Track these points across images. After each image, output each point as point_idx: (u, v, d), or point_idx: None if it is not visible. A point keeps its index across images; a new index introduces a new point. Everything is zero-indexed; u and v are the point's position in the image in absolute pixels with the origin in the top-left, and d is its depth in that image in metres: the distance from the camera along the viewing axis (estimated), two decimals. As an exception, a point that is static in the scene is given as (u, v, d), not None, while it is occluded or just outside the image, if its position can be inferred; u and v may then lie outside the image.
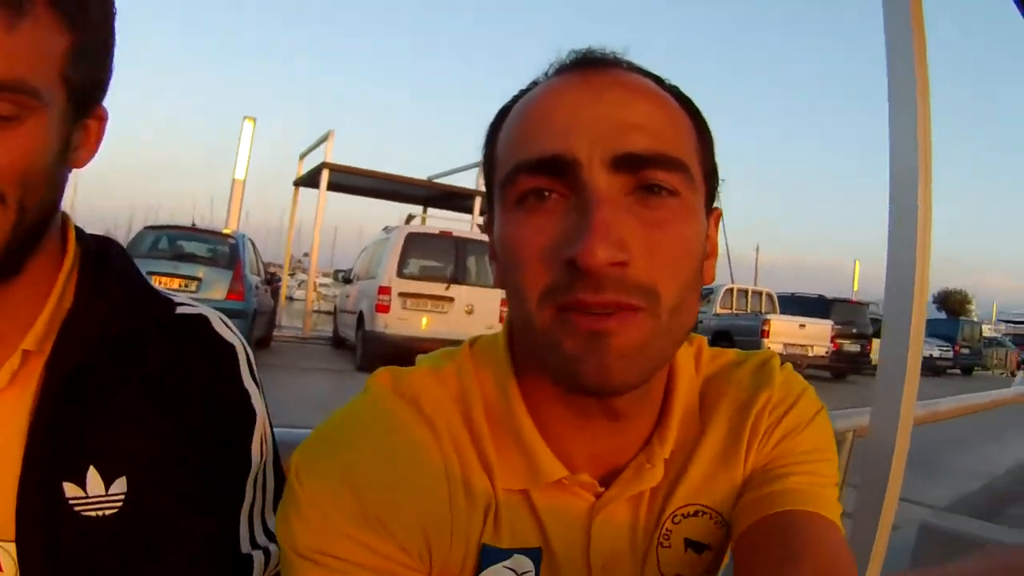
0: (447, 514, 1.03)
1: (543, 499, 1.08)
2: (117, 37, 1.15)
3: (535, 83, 1.08)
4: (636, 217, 0.93)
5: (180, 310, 1.26)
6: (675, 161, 0.97)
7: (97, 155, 1.18)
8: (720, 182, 1.11)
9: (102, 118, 1.19)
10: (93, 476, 1.10)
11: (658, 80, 1.07)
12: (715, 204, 1.11)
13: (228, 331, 1.29)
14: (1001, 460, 9.46)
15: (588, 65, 1.04)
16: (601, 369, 0.92)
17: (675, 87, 1.09)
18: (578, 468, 1.08)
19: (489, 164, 1.10)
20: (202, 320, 1.27)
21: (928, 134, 2.57)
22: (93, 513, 1.09)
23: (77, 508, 1.09)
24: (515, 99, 1.10)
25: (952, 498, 5.72)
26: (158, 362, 1.18)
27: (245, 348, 1.30)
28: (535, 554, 1.08)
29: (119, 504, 1.10)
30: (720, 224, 1.15)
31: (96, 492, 1.09)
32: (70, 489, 1.09)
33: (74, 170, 1.16)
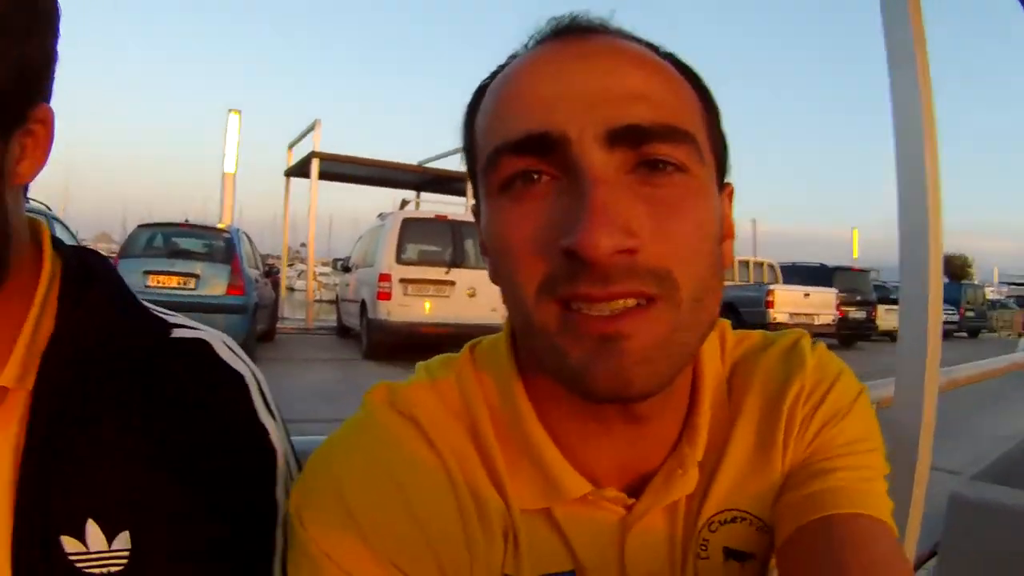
0: (462, 545, 0.93)
1: (568, 517, 0.98)
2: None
3: (514, 57, 0.98)
4: (640, 197, 0.83)
5: (176, 333, 1.10)
6: (680, 132, 0.86)
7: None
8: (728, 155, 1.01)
9: (47, 121, 0.99)
10: (93, 529, 0.94)
11: (652, 47, 0.96)
12: (726, 179, 1.01)
13: (234, 357, 1.12)
14: (1019, 424, 9.44)
15: (572, 32, 0.94)
16: (615, 376, 0.82)
17: (671, 54, 0.98)
18: (601, 480, 0.99)
19: (469, 150, 1.01)
20: (203, 346, 1.09)
21: (930, 99, 2.55)
22: (97, 571, 0.94)
23: (80, 564, 0.93)
24: (493, 75, 0.99)
25: (976, 464, 5.66)
26: (158, 396, 1.01)
27: (255, 375, 1.12)
28: None
29: (124, 561, 0.95)
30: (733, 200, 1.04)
31: (98, 547, 0.94)
32: (69, 544, 0.93)
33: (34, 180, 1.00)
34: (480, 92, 0.99)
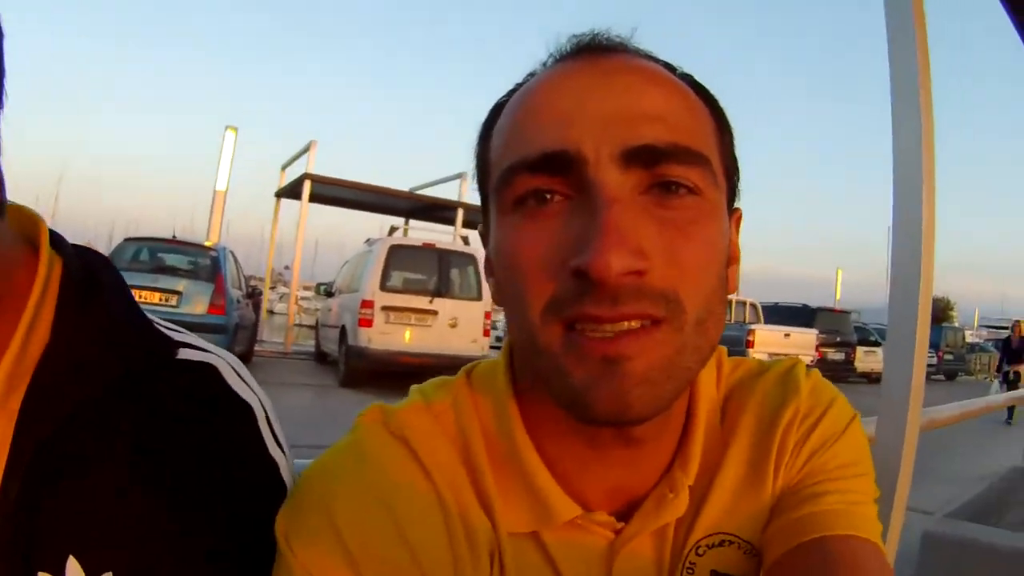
0: (450, 567, 0.93)
1: (555, 541, 0.98)
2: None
3: (532, 75, 0.99)
4: (652, 218, 0.83)
5: (183, 354, 1.00)
6: (695, 154, 0.87)
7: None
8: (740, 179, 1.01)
9: None
10: (73, 568, 0.84)
11: (670, 67, 0.97)
12: (736, 203, 1.01)
13: (243, 384, 1.03)
14: (993, 464, 9.51)
15: (592, 50, 0.94)
16: (617, 398, 0.81)
17: (689, 75, 0.98)
18: (592, 503, 0.99)
19: (482, 167, 1.00)
20: (211, 371, 1.00)
21: (931, 141, 2.57)
22: None
23: None
24: (511, 93, 1.00)
25: (950, 504, 5.74)
26: (156, 425, 0.90)
27: (264, 404, 1.04)
28: None
29: None
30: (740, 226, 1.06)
31: None
32: None
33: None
34: (497, 110, 1.00)
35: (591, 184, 0.83)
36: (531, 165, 0.86)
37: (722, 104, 1.00)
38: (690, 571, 1.01)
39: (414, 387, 1.10)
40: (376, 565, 0.89)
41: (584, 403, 0.83)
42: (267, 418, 1.03)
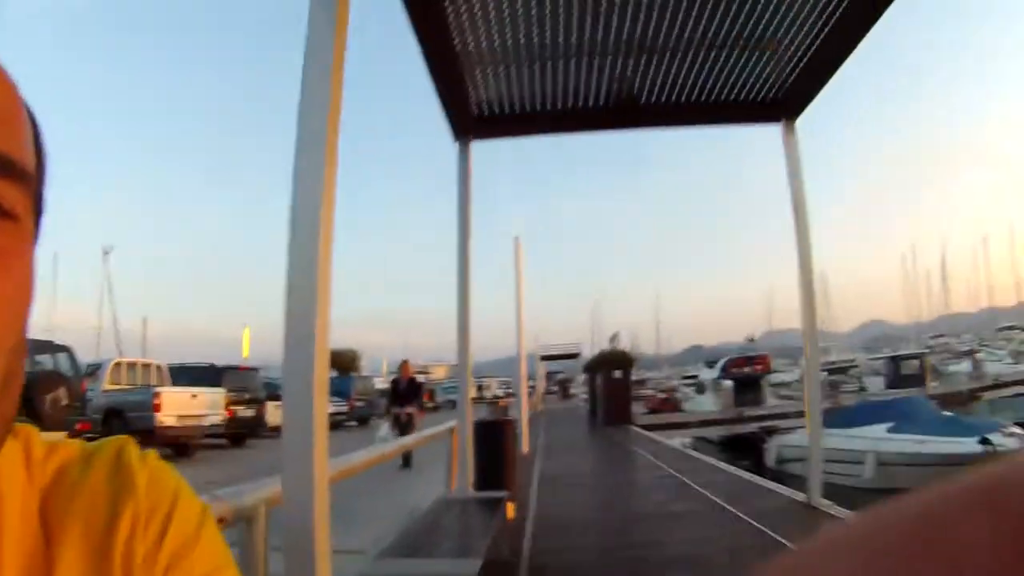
0: None
1: None
2: None
3: None
4: None
5: None
6: (25, 174, 0.69)
7: None
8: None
9: None
10: None
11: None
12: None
13: None
14: (412, 500, 10.04)
15: None
16: None
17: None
18: None
19: None
20: None
21: (331, 207, 2.64)
22: None
23: None
24: None
25: (382, 542, 6.08)
26: None
27: None
28: None
29: None
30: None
31: None
32: None
33: None
34: None
35: None
36: None
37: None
38: None
39: None
40: None
41: None
42: None
